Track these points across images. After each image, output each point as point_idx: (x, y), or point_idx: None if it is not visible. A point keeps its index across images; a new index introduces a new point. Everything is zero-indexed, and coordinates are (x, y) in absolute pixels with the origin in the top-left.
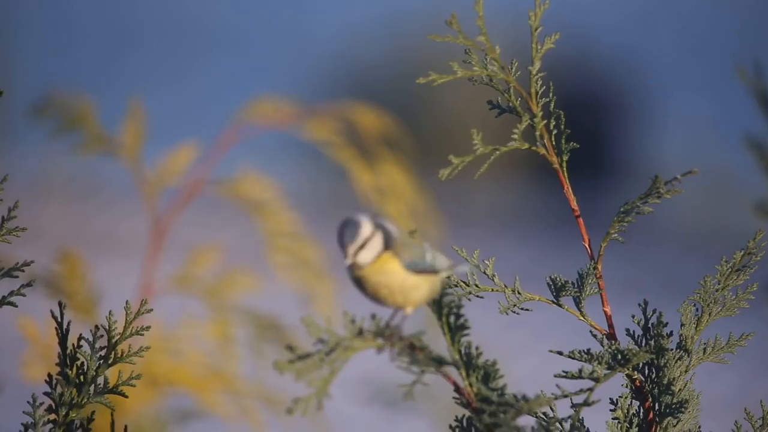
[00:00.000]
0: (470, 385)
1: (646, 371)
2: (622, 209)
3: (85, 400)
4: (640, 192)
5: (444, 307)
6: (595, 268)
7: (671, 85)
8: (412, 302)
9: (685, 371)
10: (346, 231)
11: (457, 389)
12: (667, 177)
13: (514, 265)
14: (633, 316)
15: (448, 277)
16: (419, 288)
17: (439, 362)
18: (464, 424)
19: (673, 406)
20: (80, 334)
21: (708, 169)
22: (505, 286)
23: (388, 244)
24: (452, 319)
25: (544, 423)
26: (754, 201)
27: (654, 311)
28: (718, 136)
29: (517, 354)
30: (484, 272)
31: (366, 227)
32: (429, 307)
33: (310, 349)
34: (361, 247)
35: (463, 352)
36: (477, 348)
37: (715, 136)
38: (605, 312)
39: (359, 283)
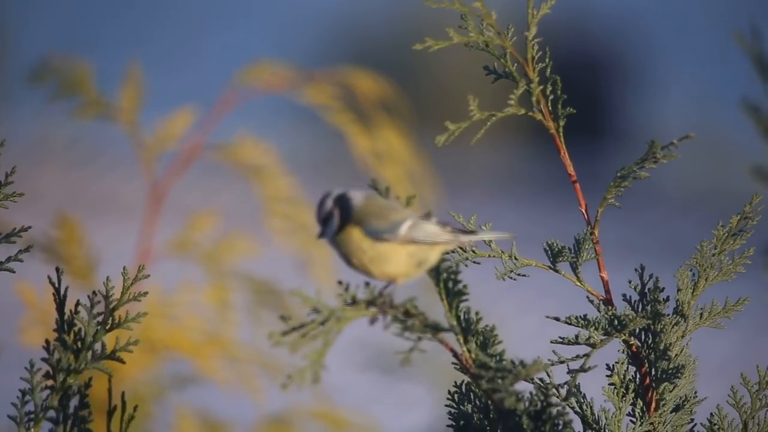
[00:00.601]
0: (468, 351)
1: (643, 337)
2: (618, 174)
3: (83, 366)
4: (639, 155)
5: (442, 273)
6: (591, 234)
7: (669, 48)
8: (392, 273)
9: (682, 336)
10: (317, 207)
11: (455, 355)
12: (665, 140)
13: (512, 227)
14: (630, 282)
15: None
16: (390, 258)
17: (435, 329)
18: (463, 389)
19: (670, 372)
20: (78, 300)
21: (706, 132)
22: (502, 251)
23: (349, 217)
24: (450, 284)
25: (542, 388)
26: (751, 164)
27: (650, 276)
28: (717, 99)
29: (514, 319)
30: (483, 241)
31: (328, 203)
32: (427, 273)
33: (305, 318)
34: (325, 220)
35: (462, 317)
36: (477, 314)
37: (713, 98)
38: (602, 278)
39: (339, 254)
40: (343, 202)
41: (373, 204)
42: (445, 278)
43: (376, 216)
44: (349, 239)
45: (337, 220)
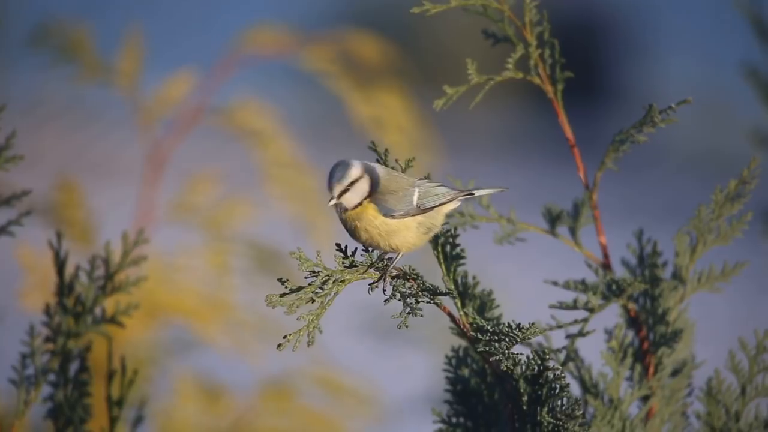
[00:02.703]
0: (465, 314)
1: (641, 301)
2: (616, 138)
3: (83, 329)
4: (637, 118)
5: (439, 237)
6: (590, 198)
7: (669, 9)
8: (400, 245)
9: (680, 301)
10: (335, 171)
11: (453, 319)
12: (665, 102)
13: (511, 188)
14: (628, 246)
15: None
16: (399, 232)
17: (432, 292)
18: (460, 354)
19: (668, 336)
20: (77, 265)
21: (706, 92)
22: (500, 216)
23: (373, 190)
24: (447, 248)
25: (538, 352)
26: (750, 128)
27: (649, 240)
28: (718, 60)
29: (512, 281)
30: (480, 203)
31: (355, 170)
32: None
33: (303, 281)
34: (347, 189)
35: (459, 282)
36: (474, 278)
37: (714, 59)
38: (600, 242)
39: (344, 225)
40: (372, 175)
41: (389, 181)
42: (442, 242)
43: (391, 194)
44: (363, 215)
45: (366, 191)
